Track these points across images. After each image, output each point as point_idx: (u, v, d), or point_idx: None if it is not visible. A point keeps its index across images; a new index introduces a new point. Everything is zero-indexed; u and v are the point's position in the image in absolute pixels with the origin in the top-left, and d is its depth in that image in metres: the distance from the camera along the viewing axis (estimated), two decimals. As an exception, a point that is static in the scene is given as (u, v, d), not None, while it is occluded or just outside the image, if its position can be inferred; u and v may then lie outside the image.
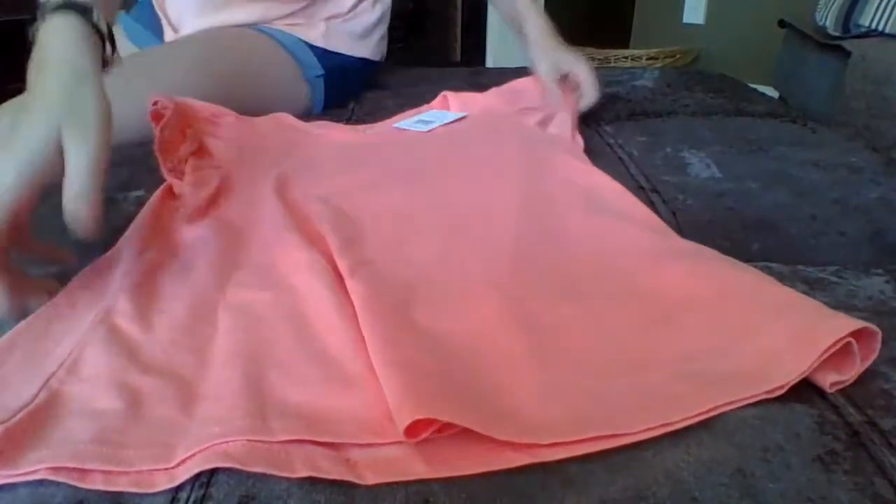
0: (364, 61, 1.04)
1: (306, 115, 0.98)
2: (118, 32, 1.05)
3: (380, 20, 1.04)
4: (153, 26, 1.05)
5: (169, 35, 1.01)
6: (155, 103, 0.73)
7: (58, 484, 0.32)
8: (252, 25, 0.96)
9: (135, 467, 0.32)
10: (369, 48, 1.03)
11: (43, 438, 0.33)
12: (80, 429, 0.34)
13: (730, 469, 0.32)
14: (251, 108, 0.85)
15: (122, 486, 0.32)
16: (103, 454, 0.32)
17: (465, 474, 0.32)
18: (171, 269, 0.50)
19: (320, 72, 0.96)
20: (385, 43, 1.09)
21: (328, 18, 0.98)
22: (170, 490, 0.32)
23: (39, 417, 0.35)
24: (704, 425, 0.35)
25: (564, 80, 0.88)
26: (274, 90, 0.93)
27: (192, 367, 0.39)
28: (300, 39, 0.96)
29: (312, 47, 0.96)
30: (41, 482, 0.32)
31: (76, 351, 0.40)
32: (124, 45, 1.04)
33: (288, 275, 0.50)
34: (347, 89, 1.04)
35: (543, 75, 0.88)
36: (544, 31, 0.92)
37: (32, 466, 0.32)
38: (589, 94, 0.86)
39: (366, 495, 0.31)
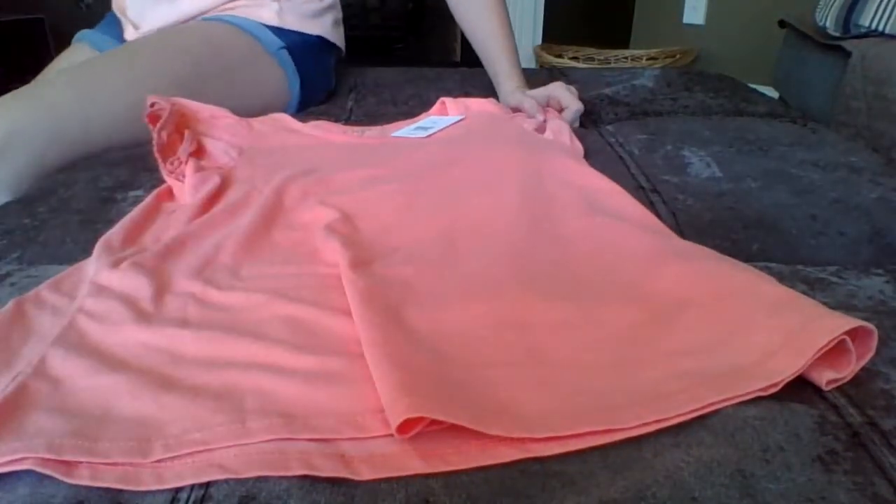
0: (322, 40, 1.06)
1: (296, 104, 1.01)
2: (85, 50, 1.07)
3: (329, 7, 1.08)
4: (121, 38, 1.06)
5: (130, 33, 1.03)
6: (152, 105, 0.73)
7: (58, 484, 0.32)
8: (206, 14, 0.99)
9: (111, 458, 0.32)
10: (324, 28, 1.07)
11: (13, 430, 0.34)
12: (52, 424, 0.34)
13: (730, 469, 0.32)
14: (232, 92, 0.89)
15: (108, 481, 0.32)
16: (80, 446, 0.33)
17: (461, 469, 0.32)
18: (148, 269, 0.49)
19: (281, 45, 0.99)
20: (342, 31, 1.13)
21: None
22: (170, 490, 0.32)
23: (7, 410, 0.35)
24: (704, 425, 0.35)
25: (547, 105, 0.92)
26: (247, 69, 0.95)
27: (165, 365, 0.39)
28: (255, 21, 0.99)
29: (268, 27, 0.99)
30: (41, 482, 0.32)
31: (44, 351, 0.40)
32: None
33: (278, 271, 0.50)
34: (319, 66, 1.07)
35: (519, 103, 0.92)
36: (518, 87, 0.97)
37: (5, 457, 0.32)
38: (571, 106, 0.90)
39: (366, 495, 0.31)
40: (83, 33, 1.10)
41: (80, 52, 1.07)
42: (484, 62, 1.02)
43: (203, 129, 0.76)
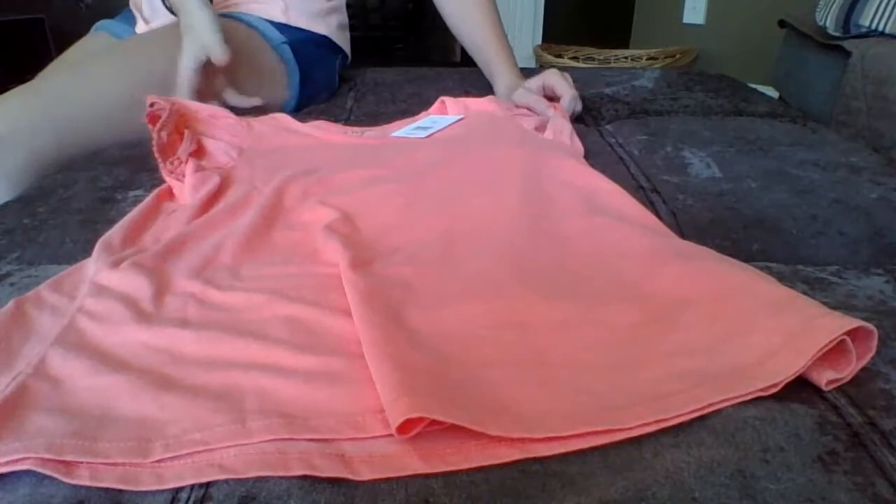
0: (327, 40, 1.07)
1: (296, 102, 1.01)
2: (103, 39, 1.08)
3: (334, 9, 1.09)
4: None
5: (140, 27, 1.05)
6: (151, 105, 0.73)
7: (58, 484, 0.32)
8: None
9: (111, 458, 0.32)
10: (329, 29, 1.07)
11: (13, 430, 0.34)
12: (52, 424, 0.34)
13: (730, 469, 0.32)
14: (233, 83, 0.90)
15: (108, 481, 0.32)
16: (79, 446, 0.33)
17: (461, 469, 0.32)
18: (148, 269, 0.49)
19: (284, 39, 1.00)
20: (347, 35, 1.14)
21: None
22: (170, 490, 0.32)
23: (7, 410, 0.35)
24: (704, 425, 0.35)
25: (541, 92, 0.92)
26: (248, 60, 0.96)
27: (165, 365, 0.39)
28: (260, 17, 1.00)
29: (273, 23, 1.01)
30: (41, 482, 0.32)
31: (44, 351, 0.40)
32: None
33: (278, 271, 0.50)
34: (322, 65, 1.07)
35: (527, 102, 0.91)
36: (514, 81, 0.96)
37: (5, 457, 0.32)
38: (566, 94, 0.89)
39: (365, 496, 0.31)
40: (103, 23, 1.11)
41: (98, 41, 1.08)
42: (477, 59, 1.02)
43: (203, 129, 0.76)
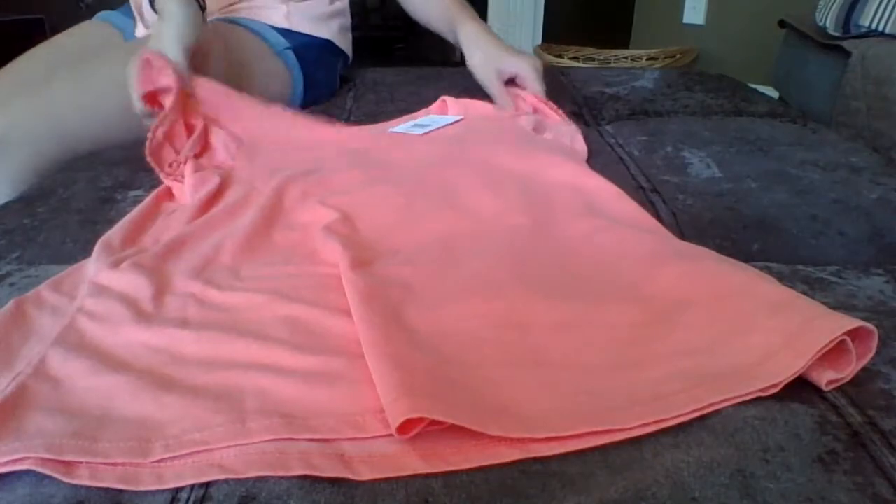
0: (329, 44, 1.07)
1: (299, 105, 1.01)
2: (105, 29, 1.08)
3: (337, 13, 1.09)
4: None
5: (140, 30, 1.04)
6: (148, 62, 0.71)
7: (58, 484, 0.32)
8: (215, 15, 1.00)
9: (111, 458, 0.32)
10: (331, 32, 1.07)
11: (13, 430, 0.34)
12: (52, 424, 0.34)
13: (730, 469, 0.32)
14: (237, 89, 0.88)
15: (108, 481, 0.32)
16: (79, 447, 0.33)
17: (461, 469, 0.32)
18: (148, 269, 0.49)
19: (287, 45, 1.00)
20: (349, 38, 1.13)
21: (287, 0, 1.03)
22: (170, 490, 0.32)
23: (7, 410, 0.35)
24: (704, 425, 0.35)
25: (511, 83, 0.91)
26: (251, 66, 0.96)
27: (165, 365, 0.39)
28: (262, 23, 1.00)
29: (276, 29, 1.00)
30: (41, 482, 0.32)
31: (44, 351, 0.40)
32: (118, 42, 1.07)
33: (278, 272, 0.50)
34: (324, 69, 1.07)
35: (486, 83, 0.91)
36: (480, 34, 0.95)
37: (5, 457, 0.32)
38: (532, 90, 0.89)
39: (365, 495, 0.31)
40: (106, 13, 1.11)
41: (99, 33, 1.07)
42: (443, 31, 1.02)
43: (211, 118, 0.75)
